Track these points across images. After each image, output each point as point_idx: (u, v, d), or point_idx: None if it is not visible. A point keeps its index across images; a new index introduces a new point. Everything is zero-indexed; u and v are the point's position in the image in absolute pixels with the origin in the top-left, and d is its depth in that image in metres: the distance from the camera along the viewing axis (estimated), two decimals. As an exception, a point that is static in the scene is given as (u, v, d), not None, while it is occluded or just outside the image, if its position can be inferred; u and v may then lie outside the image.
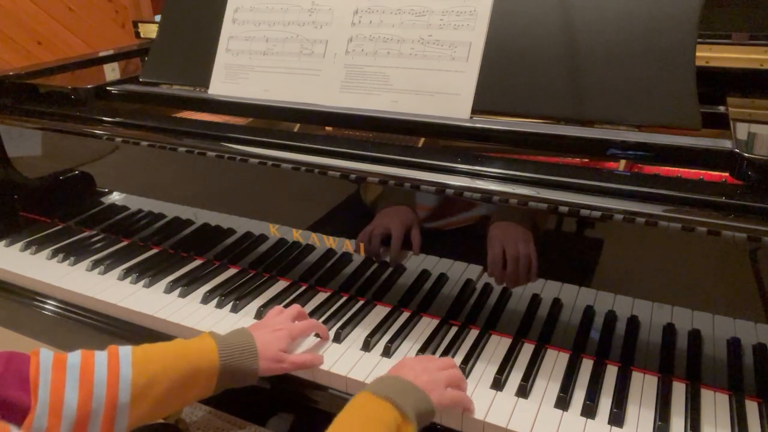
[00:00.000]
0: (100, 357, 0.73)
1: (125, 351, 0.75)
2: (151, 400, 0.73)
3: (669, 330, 0.80)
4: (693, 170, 0.80)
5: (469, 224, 0.88)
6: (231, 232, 1.11)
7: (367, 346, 0.90)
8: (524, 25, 0.92)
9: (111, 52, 1.63)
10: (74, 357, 0.72)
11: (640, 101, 0.84)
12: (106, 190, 1.24)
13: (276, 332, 0.86)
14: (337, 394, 0.87)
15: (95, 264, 1.15)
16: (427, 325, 0.96)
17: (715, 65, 0.98)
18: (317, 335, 0.93)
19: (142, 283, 1.09)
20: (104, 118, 1.15)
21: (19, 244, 1.24)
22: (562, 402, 0.79)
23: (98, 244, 1.24)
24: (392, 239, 0.93)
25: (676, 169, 0.81)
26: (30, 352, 0.71)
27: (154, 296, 1.06)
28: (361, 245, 0.97)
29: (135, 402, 0.72)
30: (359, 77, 1.02)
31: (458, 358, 0.87)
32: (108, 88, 1.24)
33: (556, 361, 0.87)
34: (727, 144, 0.78)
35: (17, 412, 0.66)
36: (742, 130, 0.81)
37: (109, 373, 0.71)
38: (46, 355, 0.71)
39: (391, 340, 0.90)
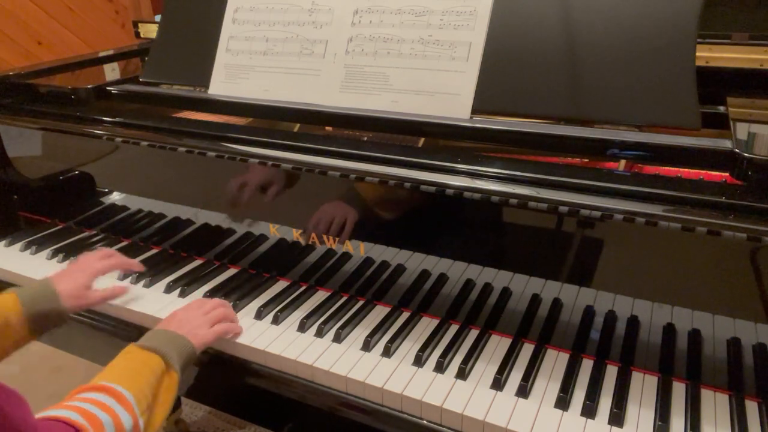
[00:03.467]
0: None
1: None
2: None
3: (669, 330, 0.80)
4: (693, 170, 0.80)
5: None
6: (231, 232, 1.11)
7: (367, 346, 0.90)
8: (524, 25, 0.92)
9: (111, 52, 1.63)
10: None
11: (640, 101, 0.84)
12: (106, 190, 1.24)
13: (79, 272, 0.99)
14: (337, 395, 0.87)
15: (95, 264, 1.15)
16: (427, 325, 0.96)
17: (715, 65, 0.98)
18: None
19: (142, 282, 1.09)
20: (104, 118, 1.15)
21: (19, 244, 1.24)
22: (562, 402, 0.79)
23: (98, 244, 1.24)
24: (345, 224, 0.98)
25: (676, 169, 0.81)
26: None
27: (154, 296, 1.06)
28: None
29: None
30: (359, 77, 1.02)
31: (458, 358, 0.87)
32: (108, 88, 1.24)
33: (556, 361, 0.87)
34: (727, 144, 0.78)
35: None
36: (742, 130, 0.81)
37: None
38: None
39: (391, 340, 0.90)
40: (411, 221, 0.94)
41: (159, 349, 0.82)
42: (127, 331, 1.03)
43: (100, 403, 0.70)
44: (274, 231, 1.06)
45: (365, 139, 0.98)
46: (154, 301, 1.04)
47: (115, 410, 0.70)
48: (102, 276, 1.02)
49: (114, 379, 0.75)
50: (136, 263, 1.07)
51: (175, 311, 0.93)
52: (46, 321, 0.93)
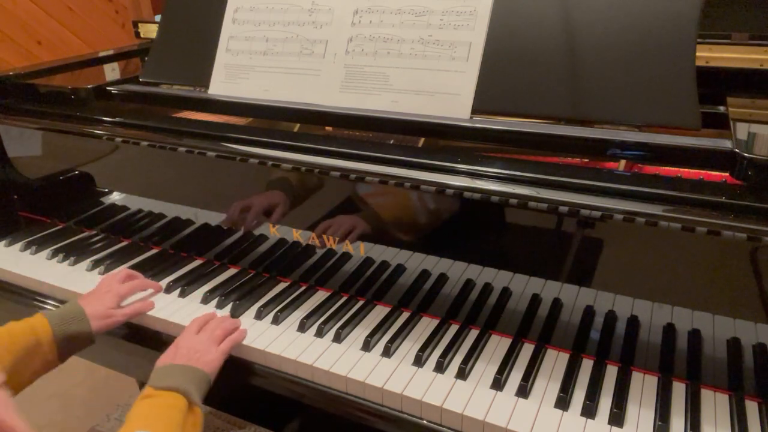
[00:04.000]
0: None
1: None
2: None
3: (669, 330, 0.80)
4: (693, 170, 0.80)
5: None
6: (231, 232, 1.11)
7: (367, 346, 0.90)
8: (524, 25, 0.92)
9: (111, 52, 1.63)
10: None
11: (640, 101, 0.84)
12: (106, 190, 1.24)
13: (105, 294, 0.98)
14: (337, 395, 0.87)
15: (95, 264, 1.15)
16: (427, 325, 0.96)
17: (715, 65, 0.98)
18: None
19: (142, 283, 1.09)
20: (104, 118, 1.15)
21: (19, 244, 1.24)
22: (562, 402, 0.79)
23: (98, 244, 1.24)
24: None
25: (676, 169, 0.81)
26: None
27: (153, 296, 1.06)
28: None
29: None
30: (359, 77, 1.02)
31: (458, 358, 0.87)
32: (108, 88, 1.24)
33: (556, 361, 0.87)
34: (727, 144, 0.78)
35: None
36: (742, 130, 0.81)
37: None
38: None
39: (391, 340, 0.90)
40: (412, 221, 0.94)
41: (179, 387, 0.80)
42: (127, 330, 1.03)
43: None
44: (274, 231, 1.06)
45: (365, 139, 0.98)
46: (153, 301, 1.04)
47: None
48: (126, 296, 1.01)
49: (147, 426, 0.74)
50: (157, 285, 1.06)
51: (178, 341, 0.90)
52: (75, 344, 0.92)
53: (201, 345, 0.88)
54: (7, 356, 0.82)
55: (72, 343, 0.91)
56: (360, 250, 0.99)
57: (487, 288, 0.91)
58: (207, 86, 1.15)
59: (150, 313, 1.01)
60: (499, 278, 0.89)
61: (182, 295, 1.05)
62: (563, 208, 0.78)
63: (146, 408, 0.79)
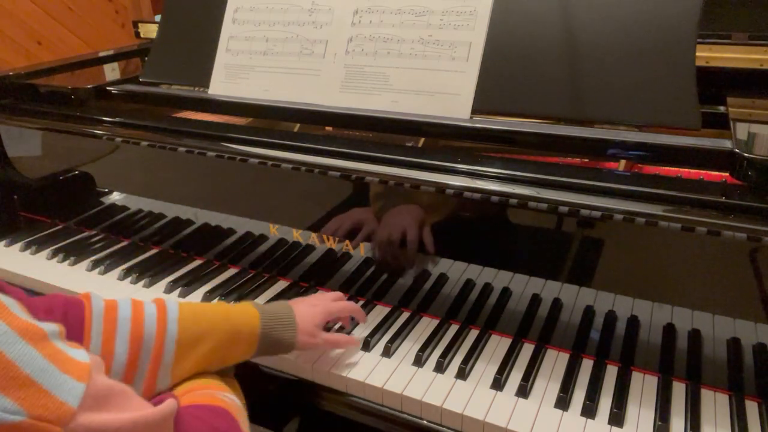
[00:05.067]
0: (150, 312, 0.71)
1: (173, 308, 0.73)
2: (193, 360, 0.73)
3: (669, 330, 0.80)
4: (693, 170, 0.80)
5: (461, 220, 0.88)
6: (231, 232, 1.11)
7: (367, 346, 0.90)
8: (524, 25, 0.92)
9: (111, 52, 1.63)
10: (125, 309, 0.70)
11: (640, 101, 0.84)
12: (106, 190, 1.24)
13: (314, 307, 0.87)
14: (337, 395, 0.87)
15: (95, 264, 1.15)
16: (427, 325, 0.96)
17: (715, 65, 0.98)
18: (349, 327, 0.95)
19: (142, 283, 1.09)
20: (104, 118, 1.15)
21: (19, 244, 1.24)
22: (562, 402, 0.79)
23: (98, 244, 1.24)
24: (408, 242, 0.93)
25: (676, 169, 0.81)
26: (81, 295, 0.70)
27: (154, 296, 1.05)
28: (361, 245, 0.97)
29: (178, 360, 0.71)
30: (359, 77, 1.02)
31: (458, 358, 0.87)
32: (108, 88, 1.23)
33: (556, 361, 0.87)
34: (727, 144, 0.78)
35: None
36: (742, 130, 0.81)
37: (158, 329, 0.70)
38: (97, 303, 0.69)
39: (391, 340, 0.90)
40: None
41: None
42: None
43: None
44: (274, 231, 1.06)
45: (365, 139, 0.98)
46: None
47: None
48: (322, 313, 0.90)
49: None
50: (361, 313, 0.95)
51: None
52: (273, 348, 0.83)
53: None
54: (209, 342, 0.75)
55: (272, 347, 0.82)
56: (360, 250, 0.99)
57: (487, 288, 0.91)
58: (207, 86, 1.15)
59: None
60: (499, 278, 0.89)
61: (182, 295, 1.05)
62: (563, 208, 0.78)
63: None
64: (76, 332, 0.65)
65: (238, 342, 0.78)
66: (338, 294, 0.96)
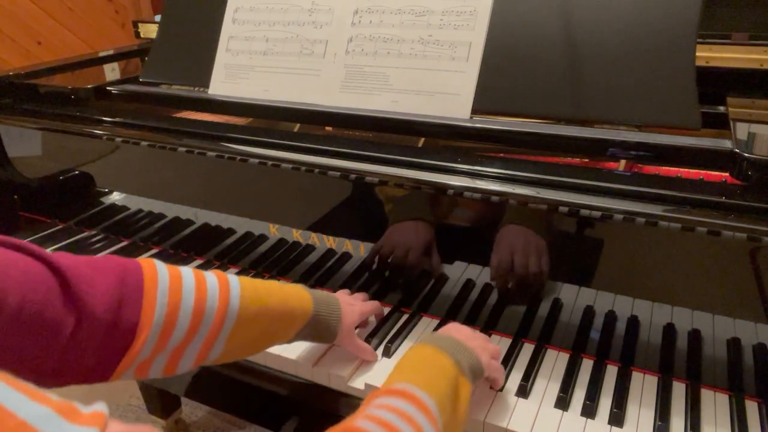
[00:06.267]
0: (212, 285, 0.67)
1: (235, 285, 0.69)
2: (248, 336, 0.71)
3: (669, 330, 0.80)
4: (693, 170, 0.80)
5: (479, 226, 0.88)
6: (231, 232, 1.11)
7: (367, 346, 0.90)
8: (524, 25, 0.92)
9: (111, 52, 1.63)
10: (189, 280, 0.66)
11: (640, 101, 0.84)
12: (106, 190, 1.24)
13: (351, 306, 0.87)
14: (337, 395, 0.87)
15: (95, 264, 1.15)
16: (427, 325, 0.96)
17: (715, 65, 0.98)
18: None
19: (142, 283, 1.09)
20: (104, 118, 1.15)
21: (19, 244, 1.24)
22: (562, 402, 0.79)
23: (98, 244, 1.24)
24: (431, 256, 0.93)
25: (676, 169, 0.81)
26: (140, 259, 0.64)
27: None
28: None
29: (231, 337, 0.68)
30: (359, 77, 1.02)
31: (458, 358, 0.87)
32: (108, 88, 1.24)
33: (556, 361, 0.87)
34: (727, 144, 0.78)
35: (123, 337, 0.58)
36: (742, 130, 0.81)
37: (219, 304, 0.66)
38: (162, 271, 0.64)
39: (391, 340, 0.90)
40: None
41: (453, 354, 0.70)
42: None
43: (398, 410, 0.59)
44: (274, 231, 1.06)
45: (365, 139, 0.98)
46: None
47: (416, 420, 0.58)
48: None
49: (411, 380, 0.64)
50: (383, 313, 0.96)
51: (449, 325, 0.81)
52: (314, 336, 0.81)
53: (478, 341, 0.77)
54: (263, 321, 0.72)
55: (314, 335, 0.81)
56: (360, 250, 0.99)
57: (487, 288, 0.91)
58: (207, 86, 1.15)
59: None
60: (499, 278, 0.89)
61: (182, 295, 1.05)
62: (563, 208, 0.78)
63: (415, 362, 0.69)
64: (133, 301, 0.59)
65: (291, 324, 0.76)
66: (365, 295, 0.97)
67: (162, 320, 0.61)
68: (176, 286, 0.64)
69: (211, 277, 0.68)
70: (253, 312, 0.70)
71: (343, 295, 0.90)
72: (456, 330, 0.78)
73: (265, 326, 0.72)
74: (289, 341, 0.79)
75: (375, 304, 0.94)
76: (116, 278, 0.59)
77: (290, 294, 0.77)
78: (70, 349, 0.54)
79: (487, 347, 0.78)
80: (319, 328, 0.80)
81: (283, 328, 0.76)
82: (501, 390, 0.82)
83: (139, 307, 0.59)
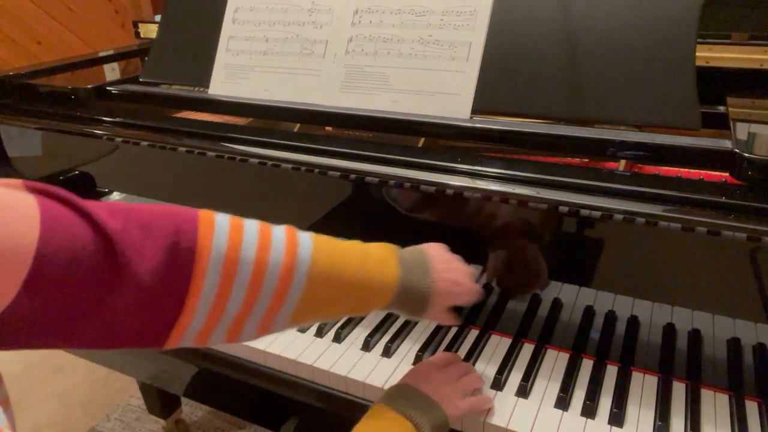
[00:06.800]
0: (276, 253, 0.58)
1: (305, 256, 0.60)
2: (319, 311, 0.63)
3: (669, 330, 0.80)
4: (693, 170, 0.80)
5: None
6: (231, 232, 1.11)
7: (367, 346, 0.90)
8: (524, 25, 0.92)
9: (111, 52, 1.63)
10: (250, 245, 0.57)
11: (640, 101, 0.84)
12: (106, 190, 1.24)
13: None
14: (335, 395, 0.87)
15: (95, 264, 1.15)
16: (427, 325, 0.96)
17: (715, 65, 0.98)
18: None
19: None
20: (104, 118, 1.15)
21: (19, 244, 1.23)
22: (562, 402, 0.79)
23: (98, 244, 1.23)
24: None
25: (676, 169, 0.81)
26: (199, 216, 0.56)
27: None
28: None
29: (299, 312, 0.60)
30: (359, 77, 1.02)
31: (458, 358, 0.87)
32: (108, 88, 1.24)
33: (556, 361, 0.87)
34: (727, 144, 0.78)
35: (172, 307, 0.53)
36: (742, 130, 0.81)
37: (281, 280, 0.58)
38: (220, 235, 0.55)
39: (391, 340, 0.90)
40: (411, 221, 0.94)
41: (414, 418, 0.67)
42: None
43: None
44: (274, 231, 1.06)
45: (365, 139, 0.98)
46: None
47: None
48: None
49: None
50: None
51: (420, 367, 0.78)
52: (404, 308, 0.71)
53: (447, 386, 0.74)
54: (355, 279, 0.64)
55: (398, 309, 0.71)
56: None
57: (487, 288, 0.91)
58: (207, 86, 1.15)
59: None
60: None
61: (182, 295, 1.05)
62: (563, 208, 0.78)
63: (372, 428, 0.67)
64: (183, 269, 0.53)
65: (366, 301, 0.67)
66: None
67: (213, 292, 0.54)
68: (233, 256, 0.55)
69: (278, 241, 0.59)
70: (320, 297, 0.61)
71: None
72: (424, 377, 0.75)
73: (336, 308, 0.65)
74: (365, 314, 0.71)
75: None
76: (168, 242, 0.52)
77: (372, 261, 0.67)
78: (115, 316, 0.50)
79: (459, 387, 0.75)
80: (401, 308, 0.70)
81: (358, 305, 0.67)
82: (501, 390, 0.82)
83: (189, 275, 0.53)
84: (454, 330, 0.94)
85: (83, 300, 0.48)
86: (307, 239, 0.61)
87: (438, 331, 0.93)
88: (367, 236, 0.97)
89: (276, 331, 0.61)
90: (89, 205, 0.52)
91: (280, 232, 0.60)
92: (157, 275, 0.51)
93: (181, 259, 0.53)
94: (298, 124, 1.07)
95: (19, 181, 0.50)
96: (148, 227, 0.53)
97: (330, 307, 0.64)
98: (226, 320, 0.56)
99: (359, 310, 0.68)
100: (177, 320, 0.54)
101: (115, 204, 0.55)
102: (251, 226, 0.59)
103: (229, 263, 0.55)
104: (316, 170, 0.94)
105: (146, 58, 1.27)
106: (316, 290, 0.61)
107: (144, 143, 1.09)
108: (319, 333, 0.94)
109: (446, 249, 0.77)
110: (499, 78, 0.92)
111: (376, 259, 0.67)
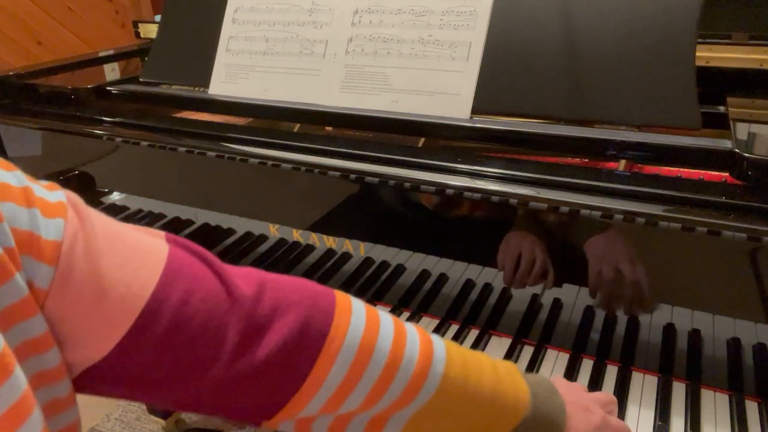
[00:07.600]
0: (409, 357, 0.51)
1: (439, 349, 0.53)
2: (440, 412, 0.54)
3: (669, 330, 0.80)
4: (693, 170, 0.80)
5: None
6: (231, 232, 1.11)
7: (367, 346, 0.90)
8: (524, 25, 0.92)
9: (111, 52, 1.63)
10: (385, 342, 0.51)
11: (640, 101, 0.84)
12: (106, 190, 1.24)
13: (588, 414, 0.63)
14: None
15: (95, 264, 1.15)
16: (427, 325, 0.96)
17: (715, 65, 0.98)
18: None
19: (142, 283, 1.09)
20: (104, 118, 1.15)
21: (19, 244, 1.23)
22: (562, 402, 0.79)
23: (98, 244, 1.23)
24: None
25: (676, 169, 0.81)
26: (336, 300, 0.52)
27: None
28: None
29: (414, 419, 0.53)
30: (359, 77, 1.02)
31: (458, 358, 0.87)
32: (108, 88, 1.24)
33: (556, 361, 0.87)
34: (727, 144, 0.78)
35: (287, 388, 0.49)
36: (742, 130, 0.81)
37: (409, 384, 0.51)
38: (356, 327, 0.50)
39: (391, 340, 0.90)
40: (412, 221, 0.94)
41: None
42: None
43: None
44: (273, 231, 1.06)
45: (365, 139, 0.98)
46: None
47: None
48: None
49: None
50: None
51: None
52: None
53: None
54: (486, 392, 0.55)
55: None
56: (360, 250, 0.99)
57: (487, 288, 0.91)
58: (207, 86, 1.15)
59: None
60: (499, 278, 0.89)
61: (182, 295, 1.05)
62: (563, 208, 0.78)
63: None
64: (310, 350, 0.49)
65: (497, 419, 0.56)
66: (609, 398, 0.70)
67: (338, 380, 0.49)
68: (368, 344, 0.50)
69: (413, 342, 0.53)
70: (453, 388, 0.53)
71: (578, 400, 0.64)
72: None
73: (461, 410, 0.54)
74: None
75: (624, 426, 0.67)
76: (299, 321, 0.49)
77: (503, 372, 0.58)
78: (229, 388, 0.47)
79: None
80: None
81: (482, 421, 0.56)
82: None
83: (314, 359, 0.49)
84: (454, 330, 0.94)
85: (197, 358, 0.45)
86: (437, 337, 0.55)
87: (438, 331, 0.93)
88: (368, 236, 0.97)
89: None
90: (225, 265, 0.50)
91: (411, 326, 0.55)
92: (281, 354, 0.48)
93: (311, 341, 0.49)
94: (298, 124, 1.07)
95: (161, 233, 0.49)
96: (283, 303, 0.50)
97: (451, 419, 0.54)
98: (340, 411, 0.51)
99: (481, 430, 0.57)
100: (288, 402, 0.49)
101: (251, 270, 0.53)
102: (384, 315, 0.54)
103: (363, 352, 0.50)
104: (316, 170, 0.94)
105: (146, 58, 1.27)
106: (446, 395, 0.53)
107: (144, 143, 1.09)
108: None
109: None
110: (499, 78, 0.92)
111: (505, 370, 0.58)
